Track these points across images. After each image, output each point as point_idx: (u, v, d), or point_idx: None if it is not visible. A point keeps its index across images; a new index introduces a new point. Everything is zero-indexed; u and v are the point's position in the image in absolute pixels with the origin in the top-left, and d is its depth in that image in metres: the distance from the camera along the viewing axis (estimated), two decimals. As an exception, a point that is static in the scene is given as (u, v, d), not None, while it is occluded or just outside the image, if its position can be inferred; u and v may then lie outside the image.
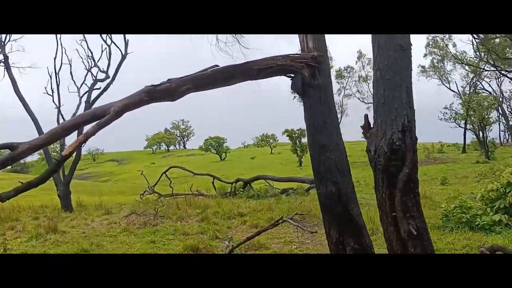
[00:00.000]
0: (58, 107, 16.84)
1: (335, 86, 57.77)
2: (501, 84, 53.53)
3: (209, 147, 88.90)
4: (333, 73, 53.83)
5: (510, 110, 51.49)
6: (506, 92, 50.75)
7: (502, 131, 57.42)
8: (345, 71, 53.52)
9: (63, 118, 16.69)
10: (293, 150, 56.95)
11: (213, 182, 18.44)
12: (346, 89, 54.77)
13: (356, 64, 54.06)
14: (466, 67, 48.85)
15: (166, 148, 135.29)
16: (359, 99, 54.52)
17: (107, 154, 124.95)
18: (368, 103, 53.32)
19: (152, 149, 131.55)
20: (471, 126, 46.78)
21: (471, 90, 46.14)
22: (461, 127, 47.22)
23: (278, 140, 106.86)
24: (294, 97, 54.98)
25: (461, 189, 15.73)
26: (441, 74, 49.38)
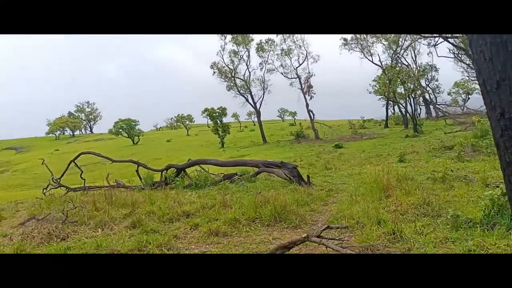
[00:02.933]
0: None
1: (257, 60, 55.26)
2: (415, 58, 54.30)
3: (120, 130, 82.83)
4: (253, 46, 51.13)
5: (427, 83, 52.21)
6: (423, 64, 51.26)
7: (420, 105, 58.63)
8: (266, 44, 50.73)
9: None
10: (214, 130, 53.79)
11: (137, 170, 14.91)
12: (268, 64, 52.17)
13: (276, 36, 51.57)
14: (383, 41, 48.59)
15: (71, 133, 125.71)
16: (282, 74, 52.22)
17: (2, 141, 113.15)
18: (292, 78, 51.43)
19: (55, 134, 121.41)
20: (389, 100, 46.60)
21: (393, 63, 45.65)
22: (391, 100, 46.50)
23: (194, 121, 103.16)
24: (214, 72, 51.76)
25: (428, 166, 13.84)
26: (363, 46, 48.57)
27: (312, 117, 49.49)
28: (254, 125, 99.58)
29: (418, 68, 46.08)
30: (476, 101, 64.98)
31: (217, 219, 8.22)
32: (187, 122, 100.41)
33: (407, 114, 40.61)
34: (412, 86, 35.45)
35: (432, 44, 40.36)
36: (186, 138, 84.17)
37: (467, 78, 66.05)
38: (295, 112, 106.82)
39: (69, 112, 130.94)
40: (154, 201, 10.58)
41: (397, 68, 39.73)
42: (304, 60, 50.46)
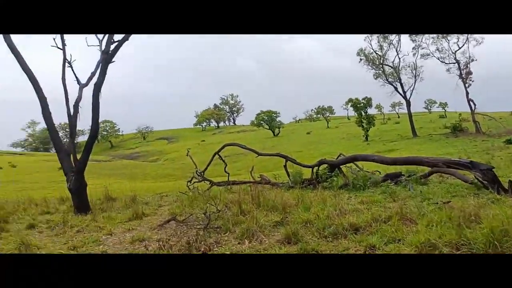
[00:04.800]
0: (69, 62, 12.05)
1: (409, 45, 51.36)
2: None
3: (261, 122, 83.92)
4: (405, 30, 46.92)
5: None
6: None
7: None
8: (421, 26, 45.76)
9: (75, 75, 12.04)
10: (357, 122, 50.82)
11: (285, 165, 13.26)
12: (422, 48, 47.24)
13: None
14: None
15: (216, 125, 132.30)
16: (438, 59, 46.90)
17: (156, 132, 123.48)
18: (449, 63, 45.95)
19: (202, 126, 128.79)
20: None
21: None
22: None
23: (335, 113, 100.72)
24: (361, 59, 48.69)
25: None
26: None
27: (473, 108, 43.59)
28: (399, 117, 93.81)
29: None
30: None
31: (400, 240, 6.00)
32: (327, 114, 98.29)
33: None
34: None
35: None
36: (326, 131, 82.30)
37: None
38: (446, 103, 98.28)
39: (214, 104, 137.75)
40: (308, 205, 8.70)
41: None
42: (465, 42, 44.63)
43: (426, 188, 10.27)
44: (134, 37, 12.27)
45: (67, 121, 11.99)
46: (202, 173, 14.46)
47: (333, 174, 12.19)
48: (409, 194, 9.58)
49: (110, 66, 11.37)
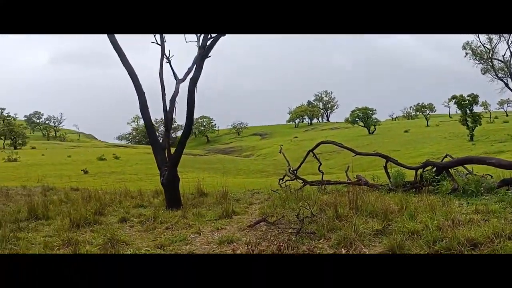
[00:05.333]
0: (167, 58, 12.13)
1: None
2: None
3: (356, 119, 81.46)
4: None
5: None
6: None
7: None
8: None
9: (173, 71, 12.10)
10: (461, 120, 47.15)
11: (385, 166, 12.24)
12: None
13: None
14: None
15: (309, 122, 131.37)
16: None
17: (250, 128, 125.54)
18: None
19: (295, 122, 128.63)
20: None
21: None
22: None
23: (436, 110, 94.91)
24: (466, 54, 45.13)
25: None
26: None
27: None
28: (507, 115, 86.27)
29: None
30: None
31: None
32: (427, 112, 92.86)
33: None
34: None
35: None
36: (425, 129, 77.85)
37: None
38: None
39: (308, 101, 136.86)
40: (413, 212, 7.74)
41: None
42: None
43: None
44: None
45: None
46: (295, 171, 13.90)
47: (439, 177, 10.96)
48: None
49: (207, 62, 11.27)
